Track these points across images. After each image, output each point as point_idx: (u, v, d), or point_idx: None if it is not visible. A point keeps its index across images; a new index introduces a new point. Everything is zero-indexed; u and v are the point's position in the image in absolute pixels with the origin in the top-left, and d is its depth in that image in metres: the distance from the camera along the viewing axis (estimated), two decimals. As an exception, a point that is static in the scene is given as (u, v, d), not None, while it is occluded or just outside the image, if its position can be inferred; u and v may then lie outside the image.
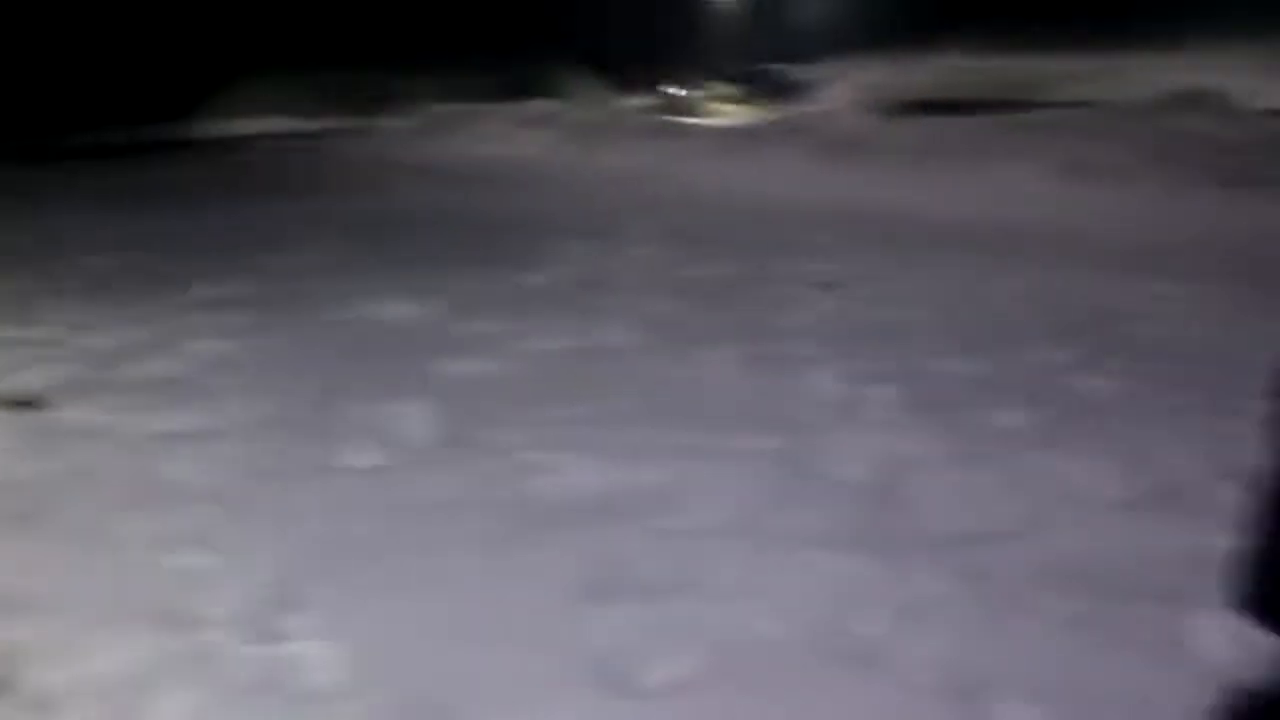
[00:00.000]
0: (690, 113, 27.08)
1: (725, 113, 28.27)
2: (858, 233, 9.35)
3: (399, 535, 3.47)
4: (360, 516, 3.62)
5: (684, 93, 31.97)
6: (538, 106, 22.86)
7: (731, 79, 33.37)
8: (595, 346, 5.94)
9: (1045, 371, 5.35)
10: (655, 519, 3.56)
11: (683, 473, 3.96)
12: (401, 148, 21.00)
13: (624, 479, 3.92)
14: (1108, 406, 4.76)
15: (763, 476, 3.93)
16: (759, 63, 34.36)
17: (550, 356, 5.76)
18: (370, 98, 29.68)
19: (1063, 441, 4.24)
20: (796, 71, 34.28)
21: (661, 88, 32.18)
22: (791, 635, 2.77)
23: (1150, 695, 2.50)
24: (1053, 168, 11.87)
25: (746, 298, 7.15)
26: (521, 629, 2.83)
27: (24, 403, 4.98)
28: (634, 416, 4.68)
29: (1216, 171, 10.86)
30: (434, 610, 2.94)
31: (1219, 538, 2.74)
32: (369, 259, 8.97)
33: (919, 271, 7.79)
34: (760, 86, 31.94)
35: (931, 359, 5.62)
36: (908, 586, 3.05)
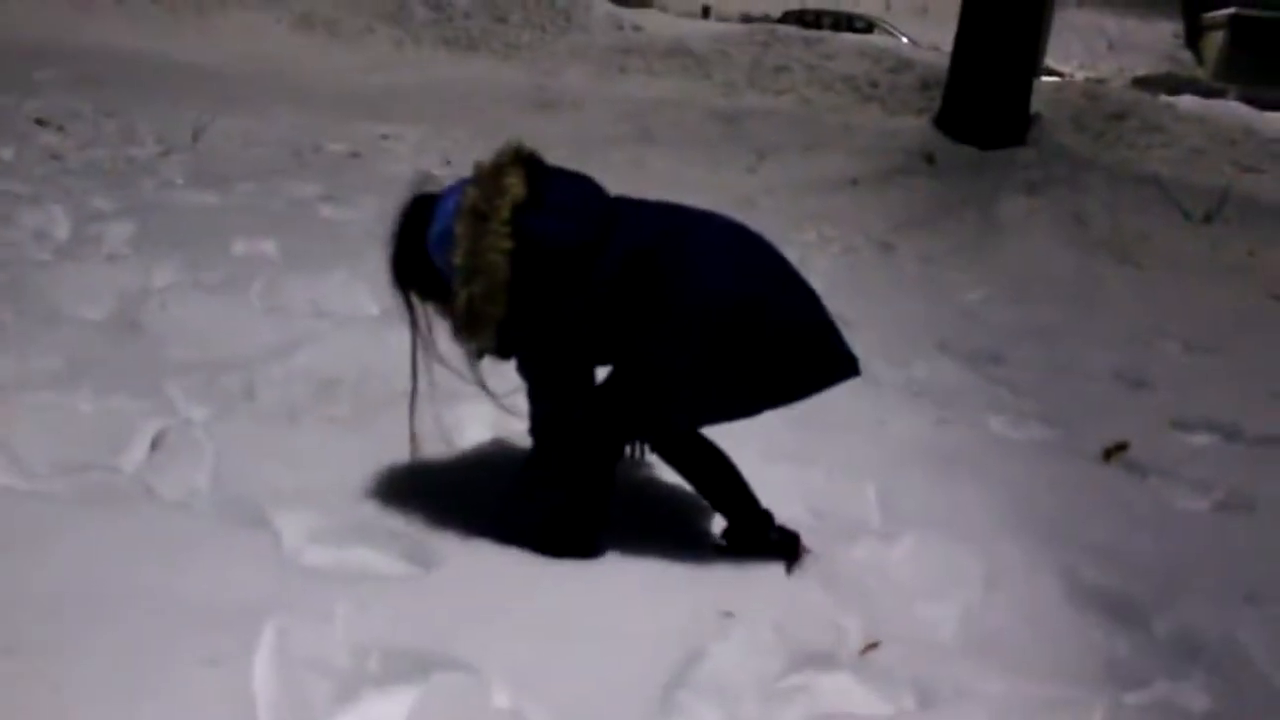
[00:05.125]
0: None
1: None
2: (87, 69, 8.32)
3: None
4: None
5: None
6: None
7: None
8: None
9: (291, 203, 5.25)
10: None
11: None
12: None
13: None
14: (353, 234, 4.81)
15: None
16: None
17: None
18: None
19: (313, 266, 4.19)
20: None
21: None
22: (42, 484, 2.40)
23: (423, 487, 2.57)
24: (287, 19, 11.74)
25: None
26: None
27: None
28: None
29: (438, 31, 11.62)
30: None
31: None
32: None
33: (151, 109, 7.15)
34: None
35: (166, 192, 5.22)
36: (168, 415, 2.80)
